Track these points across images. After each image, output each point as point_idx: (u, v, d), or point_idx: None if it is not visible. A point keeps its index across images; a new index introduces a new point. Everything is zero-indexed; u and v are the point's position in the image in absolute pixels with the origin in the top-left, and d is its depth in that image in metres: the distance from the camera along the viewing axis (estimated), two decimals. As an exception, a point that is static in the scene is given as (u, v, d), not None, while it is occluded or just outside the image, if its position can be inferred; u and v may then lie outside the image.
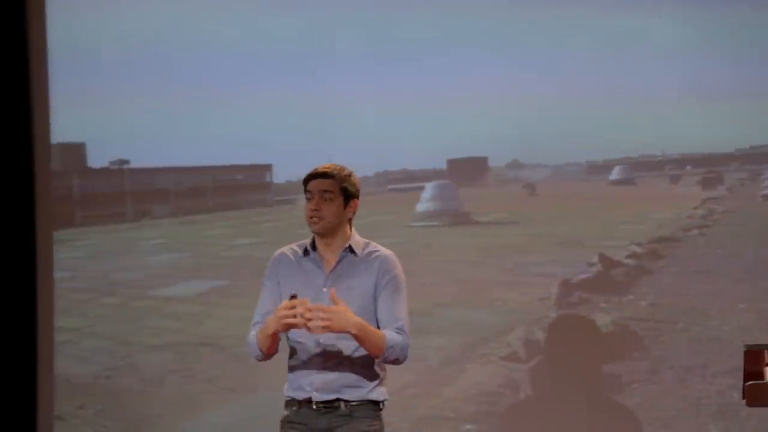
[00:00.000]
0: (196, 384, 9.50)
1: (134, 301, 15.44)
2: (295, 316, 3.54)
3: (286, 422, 3.79)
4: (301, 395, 3.73)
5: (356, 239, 3.80)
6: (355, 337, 3.55)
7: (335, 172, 3.75)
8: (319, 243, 3.77)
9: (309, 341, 3.71)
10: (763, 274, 13.67)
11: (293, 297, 3.62)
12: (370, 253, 3.79)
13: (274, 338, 3.73)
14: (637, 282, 13.33)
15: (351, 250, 3.76)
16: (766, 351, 3.15)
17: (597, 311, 10.93)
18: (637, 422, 7.39)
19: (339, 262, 3.75)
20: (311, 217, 3.70)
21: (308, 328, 3.56)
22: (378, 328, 3.69)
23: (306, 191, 3.76)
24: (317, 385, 3.68)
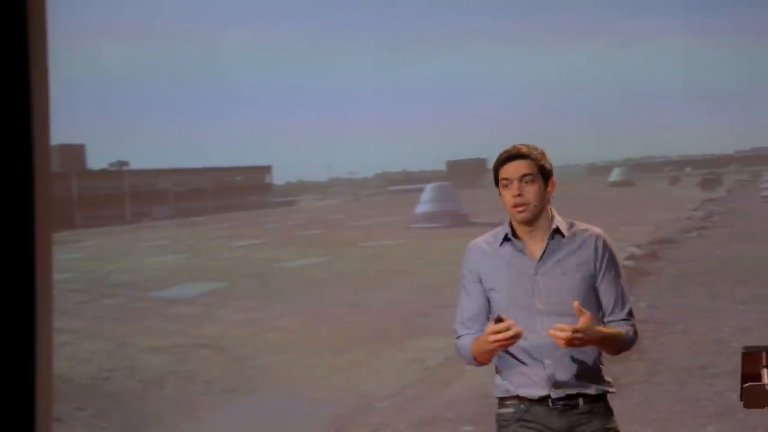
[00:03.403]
0: (195, 385, 9.51)
1: (134, 303, 15.47)
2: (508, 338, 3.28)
3: (514, 421, 3.38)
4: (535, 393, 3.33)
5: (560, 218, 3.42)
6: (599, 346, 3.28)
7: (531, 152, 3.36)
8: (520, 229, 3.41)
9: (542, 334, 3.31)
10: (763, 276, 13.70)
11: (498, 320, 3.32)
12: (578, 232, 3.41)
13: (493, 354, 3.32)
14: (635, 283, 13.36)
15: (558, 231, 3.39)
16: (764, 353, 3.13)
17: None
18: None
19: (547, 246, 3.38)
20: (515, 206, 3.32)
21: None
22: (599, 311, 3.38)
23: (500, 179, 3.37)
24: (555, 380, 3.31)
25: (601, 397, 3.33)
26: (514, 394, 3.35)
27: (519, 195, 3.29)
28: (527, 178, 3.30)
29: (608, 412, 3.35)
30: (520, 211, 3.31)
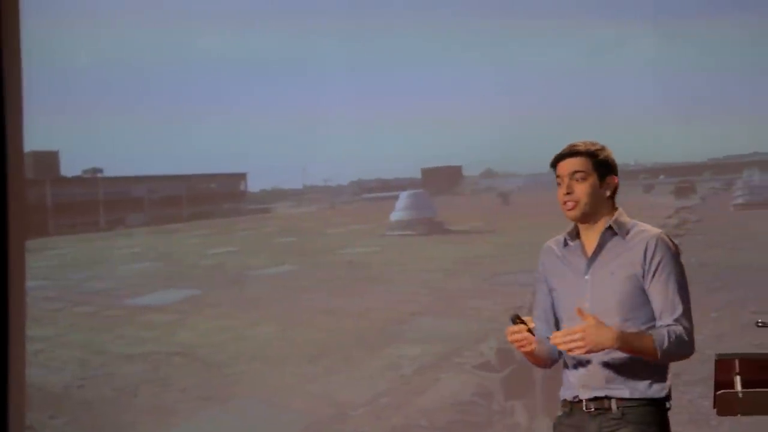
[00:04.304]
0: (169, 393, 9.46)
1: (108, 311, 15.34)
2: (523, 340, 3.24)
3: (558, 423, 3.37)
4: (570, 394, 3.31)
5: (620, 219, 3.32)
6: (618, 350, 3.14)
7: (584, 148, 3.33)
8: (581, 229, 3.37)
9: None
10: (736, 283, 13.75)
11: (516, 318, 3.25)
12: (637, 233, 3.29)
13: (529, 356, 3.35)
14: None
15: (612, 231, 3.30)
16: (736, 360, 3.14)
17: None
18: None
19: (599, 245, 3.30)
20: (565, 203, 3.31)
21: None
22: (652, 317, 3.23)
23: (556, 176, 3.36)
24: (584, 381, 3.26)
25: (642, 403, 3.20)
26: (563, 397, 3.35)
27: (568, 193, 3.28)
28: (578, 176, 3.29)
29: (647, 421, 3.20)
30: (568, 209, 3.30)
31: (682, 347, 3.16)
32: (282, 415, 8.68)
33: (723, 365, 3.14)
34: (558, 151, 3.38)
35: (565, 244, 3.39)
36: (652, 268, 3.21)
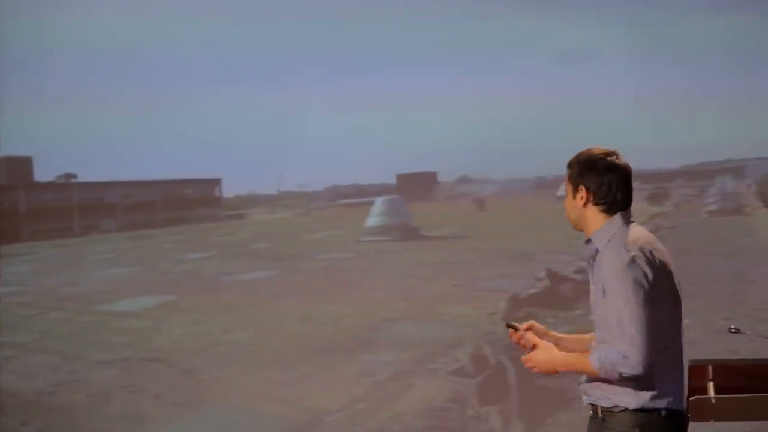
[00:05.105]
0: (143, 399, 9.43)
1: (81, 316, 15.29)
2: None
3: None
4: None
5: (602, 230, 3.31)
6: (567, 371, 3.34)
7: (569, 163, 3.42)
8: None
9: (592, 344, 3.38)
10: (708, 289, 13.83)
11: (508, 325, 3.50)
12: (608, 247, 3.25)
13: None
14: (584, 297, 13.36)
15: (593, 243, 3.33)
16: (709, 366, 3.16)
17: (544, 326, 10.92)
18: None
19: (590, 258, 3.34)
20: None
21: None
22: None
23: None
24: (582, 389, 3.36)
25: (620, 409, 3.22)
26: None
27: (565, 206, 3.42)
28: (567, 189, 3.41)
29: (624, 427, 3.22)
30: None
31: (620, 366, 3.11)
32: (257, 420, 8.66)
33: (696, 371, 3.16)
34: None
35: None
36: (606, 285, 3.19)
